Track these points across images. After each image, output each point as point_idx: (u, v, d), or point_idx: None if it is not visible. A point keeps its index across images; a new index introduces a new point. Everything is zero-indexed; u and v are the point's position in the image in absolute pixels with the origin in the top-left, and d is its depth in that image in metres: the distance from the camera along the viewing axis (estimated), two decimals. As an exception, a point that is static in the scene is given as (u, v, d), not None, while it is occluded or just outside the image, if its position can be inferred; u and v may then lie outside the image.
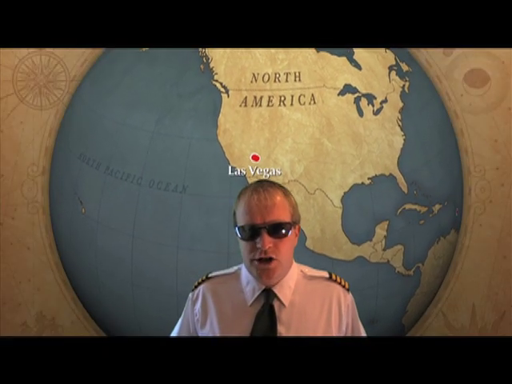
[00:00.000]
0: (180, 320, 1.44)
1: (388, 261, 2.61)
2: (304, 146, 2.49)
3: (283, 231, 1.26)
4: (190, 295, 1.40)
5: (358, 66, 2.66)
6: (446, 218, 2.87)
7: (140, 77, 2.71)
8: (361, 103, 2.60)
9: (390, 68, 2.76)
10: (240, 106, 2.52)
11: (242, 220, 1.27)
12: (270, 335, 1.26)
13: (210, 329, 1.33)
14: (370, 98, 2.63)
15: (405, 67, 2.84)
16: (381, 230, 2.55)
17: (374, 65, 2.72)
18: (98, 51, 3.07)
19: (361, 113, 2.58)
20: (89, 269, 2.83)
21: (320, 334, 1.30)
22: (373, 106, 2.62)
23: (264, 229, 1.24)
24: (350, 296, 1.37)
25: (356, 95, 2.61)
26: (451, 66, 3.02)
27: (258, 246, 1.24)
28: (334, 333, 1.31)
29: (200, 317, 1.35)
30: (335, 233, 2.52)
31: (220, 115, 2.52)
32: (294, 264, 1.36)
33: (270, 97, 2.52)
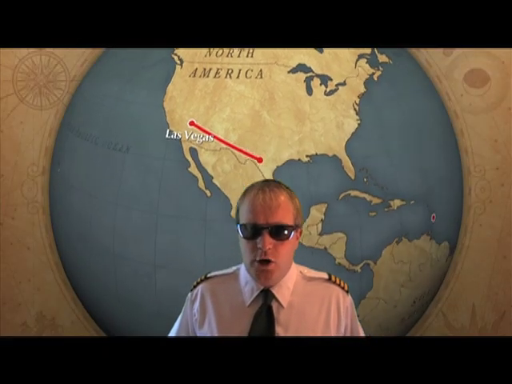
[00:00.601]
0: (179, 319, 1.44)
1: (325, 248, 2.50)
2: (241, 116, 2.52)
3: (285, 233, 1.25)
4: (189, 295, 1.40)
5: (319, 50, 2.66)
6: (411, 218, 2.69)
7: (123, 57, 2.90)
8: (312, 83, 2.58)
9: (361, 56, 2.73)
10: (189, 76, 2.62)
11: (244, 218, 1.27)
12: (267, 336, 1.26)
13: (208, 329, 1.33)
14: (325, 79, 2.60)
15: (382, 58, 2.79)
16: (317, 213, 2.46)
17: (338, 50, 2.70)
18: (97, 51, 3.08)
19: (310, 91, 2.56)
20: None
21: (318, 335, 1.30)
22: (326, 86, 2.58)
23: (266, 229, 1.23)
24: (349, 298, 1.37)
25: (309, 74, 2.59)
26: (451, 66, 3.02)
27: (259, 246, 1.23)
28: (333, 334, 1.31)
29: (198, 317, 1.35)
30: None
31: (170, 84, 2.64)
32: (294, 265, 1.36)
33: (218, 69, 2.59)
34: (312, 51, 2.65)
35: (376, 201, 2.52)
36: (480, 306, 3.09)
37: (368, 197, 2.50)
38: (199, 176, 2.47)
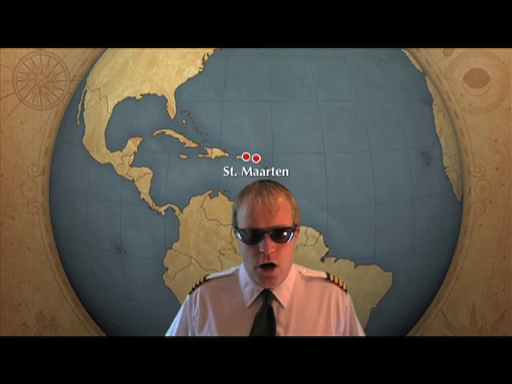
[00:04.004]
0: (177, 321, 1.42)
1: (133, 180, 2.55)
2: (117, 65, 2.81)
3: (286, 236, 1.25)
4: (188, 297, 1.39)
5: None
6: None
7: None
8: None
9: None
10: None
11: (243, 223, 1.26)
12: (268, 337, 1.26)
13: (208, 331, 1.32)
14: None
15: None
16: (132, 145, 2.57)
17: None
18: (98, 51, 3.08)
19: None
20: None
21: (318, 335, 1.30)
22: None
23: (267, 233, 1.23)
24: (347, 297, 1.37)
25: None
26: (451, 66, 3.02)
27: (261, 250, 1.23)
28: (333, 334, 1.31)
29: (198, 319, 1.35)
30: (100, 135, 2.69)
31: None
32: (293, 265, 1.36)
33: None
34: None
35: (191, 144, 2.49)
36: (480, 306, 3.09)
37: (182, 138, 2.49)
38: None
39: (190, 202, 2.48)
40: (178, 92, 2.55)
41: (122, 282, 2.68)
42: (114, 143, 2.62)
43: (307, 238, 2.46)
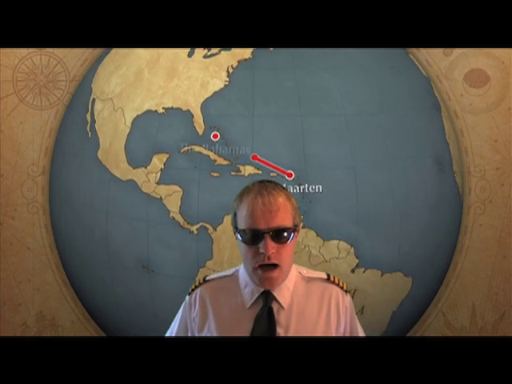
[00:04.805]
0: (177, 322, 1.42)
1: (161, 198, 2.47)
2: (130, 74, 2.70)
3: (286, 236, 1.25)
4: (187, 298, 1.39)
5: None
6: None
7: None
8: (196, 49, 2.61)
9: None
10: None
11: (243, 223, 1.26)
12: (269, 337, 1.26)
13: (208, 331, 1.32)
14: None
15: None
16: (158, 161, 2.48)
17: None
18: (98, 51, 3.07)
19: (191, 54, 2.59)
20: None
21: (319, 335, 1.29)
22: (208, 50, 2.57)
23: (267, 234, 1.23)
24: (348, 297, 1.37)
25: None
26: (451, 66, 3.02)
27: (262, 251, 1.22)
28: (333, 334, 1.31)
29: (198, 320, 1.35)
30: (118, 149, 2.58)
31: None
32: (293, 266, 1.35)
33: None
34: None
35: (222, 161, 2.42)
36: (480, 306, 3.09)
37: (213, 155, 2.42)
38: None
39: (224, 219, 2.43)
40: (205, 106, 2.46)
41: (148, 301, 2.60)
42: (137, 159, 2.52)
43: (339, 251, 2.45)
